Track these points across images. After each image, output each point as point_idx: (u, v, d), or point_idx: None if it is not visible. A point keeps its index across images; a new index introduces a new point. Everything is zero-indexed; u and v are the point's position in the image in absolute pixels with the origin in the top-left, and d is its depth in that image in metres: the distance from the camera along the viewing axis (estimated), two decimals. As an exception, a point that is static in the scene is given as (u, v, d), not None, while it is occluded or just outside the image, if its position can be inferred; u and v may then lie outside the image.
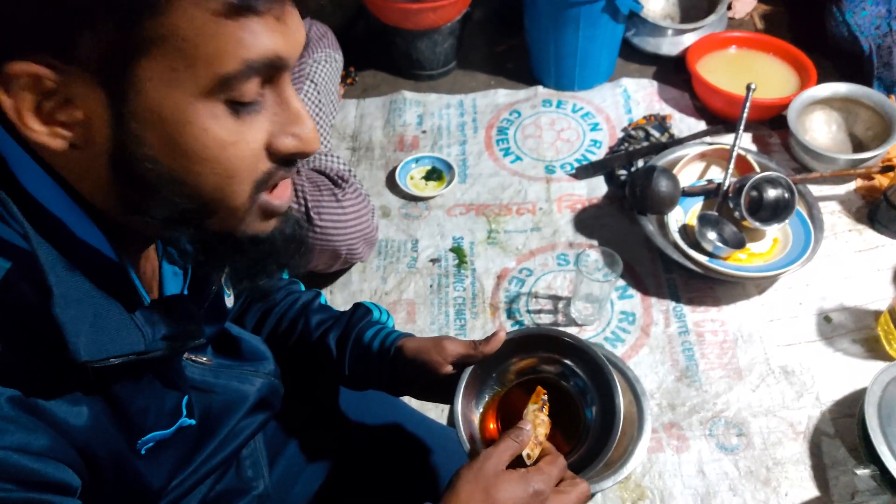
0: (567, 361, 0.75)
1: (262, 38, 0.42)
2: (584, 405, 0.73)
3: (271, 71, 0.44)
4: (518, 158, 1.63)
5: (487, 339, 0.73)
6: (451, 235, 1.47)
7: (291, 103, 0.47)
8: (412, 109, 1.77)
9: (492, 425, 0.74)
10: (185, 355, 0.61)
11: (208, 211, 0.47)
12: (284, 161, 0.48)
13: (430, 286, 1.39)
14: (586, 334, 1.30)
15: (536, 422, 0.65)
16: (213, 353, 0.68)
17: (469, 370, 0.72)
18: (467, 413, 0.72)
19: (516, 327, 1.31)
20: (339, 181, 1.29)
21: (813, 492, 1.07)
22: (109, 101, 0.41)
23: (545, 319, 1.33)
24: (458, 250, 1.44)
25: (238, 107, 0.43)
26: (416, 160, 1.61)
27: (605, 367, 0.71)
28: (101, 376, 0.46)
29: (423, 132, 1.71)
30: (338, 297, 1.38)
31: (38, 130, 0.41)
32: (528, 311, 1.34)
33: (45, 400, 0.44)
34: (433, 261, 1.43)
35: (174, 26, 0.39)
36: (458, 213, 1.52)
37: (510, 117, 1.73)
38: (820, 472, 1.09)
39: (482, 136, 1.69)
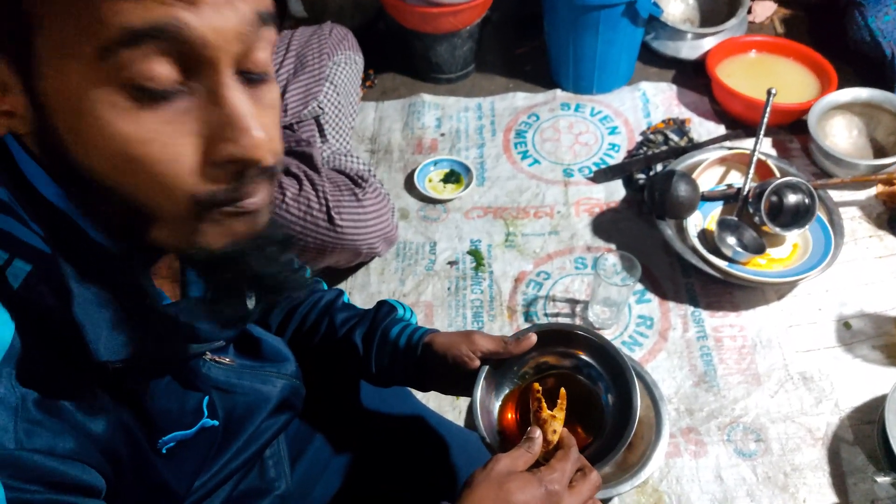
0: (585, 357, 0.76)
1: (143, 6, 0.37)
2: (602, 398, 0.75)
3: (182, 52, 0.39)
4: (536, 162, 1.63)
5: (519, 340, 0.74)
6: (469, 238, 1.48)
7: (228, 102, 0.41)
8: (431, 112, 1.78)
9: (510, 415, 0.75)
10: (208, 356, 0.62)
11: (146, 218, 0.44)
12: (234, 175, 0.43)
13: (448, 288, 1.40)
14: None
15: (549, 428, 0.66)
16: (235, 354, 0.70)
17: (487, 368, 0.73)
18: (486, 403, 0.73)
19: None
20: (359, 181, 1.30)
21: (831, 498, 1.07)
22: (23, 83, 0.40)
23: (563, 322, 1.33)
24: (475, 253, 1.45)
25: (145, 96, 0.39)
26: (435, 163, 1.62)
27: (623, 361, 0.73)
28: (121, 377, 0.47)
29: (442, 135, 1.72)
30: (357, 298, 1.40)
31: None
32: (546, 315, 1.35)
33: (68, 402, 0.44)
34: (451, 263, 1.44)
35: None
36: (475, 215, 1.53)
37: (528, 120, 1.74)
38: (839, 478, 1.09)
39: (500, 139, 1.70)
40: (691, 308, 1.33)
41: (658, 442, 1.09)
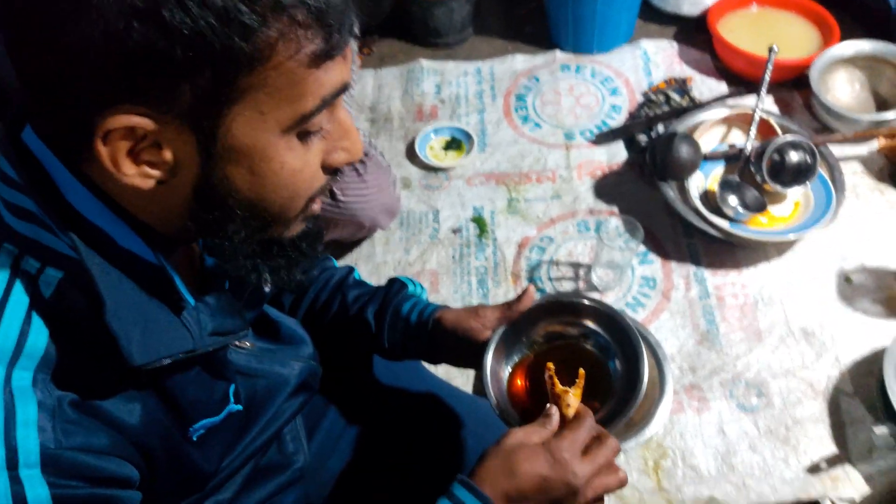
0: (593, 325, 0.79)
1: (334, 74, 0.46)
2: (610, 365, 0.77)
3: (338, 97, 0.48)
4: (537, 126, 1.63)
5: (519, 298, 0.78)
6: (472, 205, 1.49)
7: (342, 119, 0.51)
8: (430, 78, 1.77)
9: (519, 381, 0.78)
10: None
11: (270, 225, 0.52)
12: (333, 172, 0.53)
13: (453, 256, 1.42)
14: (607, 300, 1.31)
15: (563, 402, 0.68)
16: (254, 337, 0.72)
17: (500, 332, 0.76)
18: (497, 370, 0.76)
19: (538, 295, 1.34)
20: (362, 156, 1.31)
21: (831, 449, 1.10)
22: (199, 143, 0.45)
23: (566, 286, 1.35)
24: (479, 220, 1.46)
25: (306, 136, 0.48)
26: (436, 130, 1.62)
27: (630, 329, 0.75)
28: (152, 374, 0.49)
29: (442, 101, 1.72)
30: (363, 268, 1.42)
31: (130, 174, 0.44)
32: (550, 279, 1.37)
33: (101, 401, 0.47)
34: (454, 231, 1.45)
35: (266, 77, 0.43)
36: (478, 182, 1.54)
37: (528, 84, 1.73)
38: (838, 429, 1.12)
39: (500, 103, 1.69)
40: (693, 268, 1.35)
41: (662, 399, 1.12)
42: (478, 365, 0.80)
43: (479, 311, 0.78)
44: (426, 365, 0.99)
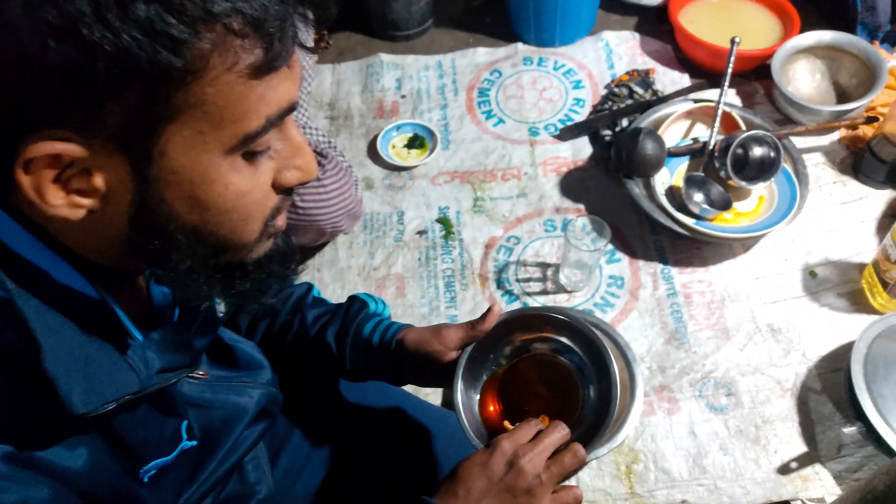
0: (562, 339, 0.77)
1: (280, 91, 0.43)
2: (582, 380, 0.75)
3: (285, 117, 0.46)
4: (501, 121, 1.60)
5: (483, 317, 0.75)
6: (437, 205, 1.46)
7: (293, 136, 0.48)
8: (390, 73, 1.72)
9: (492, 407, 0.76)
10: None
11: (222, 250, 0.48)
12: (287, 191, 0.50)
13: (419, 259, 1.38)
14: (576, 300, 1.31)
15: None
16: (208, 364, 0.68)
17: (466, 356, 0.74)
18: (467, 397, 0.73)
19: (508, 299, 1.32)
20: (319, 158, 1.26)
21: (801, 447, 1.10)
22: (133, 168, 0.41)
23: (534, 287, 1.33)
24: (444, 221, 1.43)
25: (253, 155, 0.45)
26: (398, 128, 1.57)
27: (599, 342, 0.74)
28: (98, 417, 0.46)
29: (403, 97, 1.67)
30: (326, 274, 1.37)
31: (57, 204, 0.41)
32: (518, 280, 1.34)
33: (41, 450, 0.44)
34: (420, 233, 1.42)
35: (203, 93, 0.40)
36: (442, 181, 1.50)
37: (491, 77, 1.69)
38: (807, 428, 1.12)
39: (463, 98, 1.66)
40: (661, 266, 1.34)
41: (633, 403, 1.10)
42: (443, 384, 0.78)
43: (441, 332, 0.76)
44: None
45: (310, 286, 0.87)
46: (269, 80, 0.42)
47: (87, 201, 0.42)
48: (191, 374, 0.63)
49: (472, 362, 0.75)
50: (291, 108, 0.45)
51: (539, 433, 0.66)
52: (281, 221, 0.52)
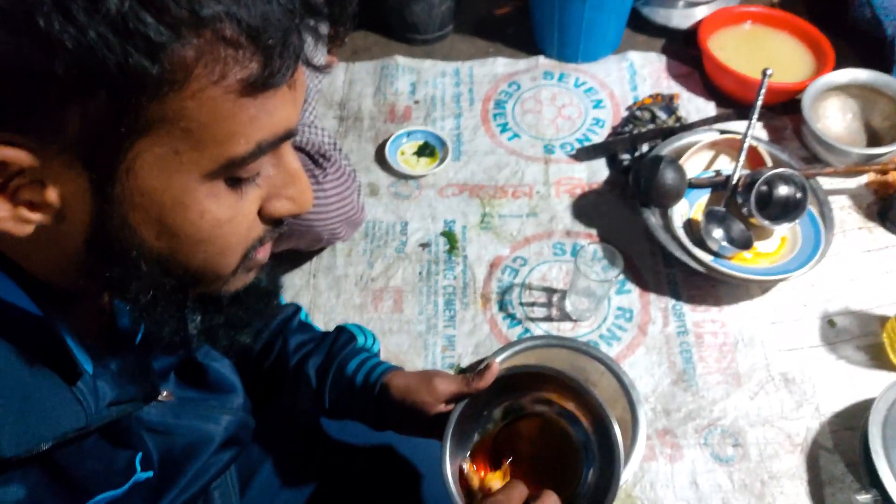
0: (560, 401, 0.69)
1: (276, 115, 0.37)
2: (580, 444, 0.68)
3: (279, 144, 0.40)
4: (516, 136, 1.54)
5: (480, 374, 0.68)
6: (443, 218, 1.39)
7: (289, 164, 0.42)
8: (405, 77, 1.66)
9: (482, 473, 0.68)
10: None
11: (191, 284, 0.42)
12: (276, 222, 0.44)
13: (420, 273, 1.32)
14: (581, 330, 1.24)
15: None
16: (175, 384, 0.62)
17: (456, 416, 0.66)
18: (456, 464, 0.66)
19: (510, 323, 1.25)
20: (321, 159, 1.19)
21: (808, 509, 1.04)
22: (93, 184, 0.35)
23: (538, 313, 1.26)
24: (449, 235, 1.37)
25: (237, 182, 0.39)
26: (408, 134, 1.51)
27: (606, 416, 0.65)
28: (34, 455, 0.40)
29: (416, 102, 1.61)
30: (321, 281, 1.31)
31: (1, 217, 0.34)
32: (521, 304, 1.28)
33: None
34: (423, 245, 1.36)
35: (182, 107, 0.33)
36: (450, 193, 1.44)
37: (509, 89, 1.63)
38: (816, 488, 1.06)
39: (478, 108, 1.59)
40: (672, 301, 1.27)
41: (634, 447, 1.04)
42: (427, 436, 0.71)
43: (432, 382, 0.68)
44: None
45: (297, 308, 0.81)
46: (264, 100, 0.36)
47: (36, 216, 0.36)
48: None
49: (464, 421, 0.67)
50: (289, 134, 0.39)
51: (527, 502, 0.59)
52: (262, 254, 0.45)
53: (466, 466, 0.66)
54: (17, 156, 0.33)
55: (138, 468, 0.51)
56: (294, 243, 1.24)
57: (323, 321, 1.26)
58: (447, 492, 0.62)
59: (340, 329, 0.77)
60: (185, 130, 0.34)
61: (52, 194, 0.35)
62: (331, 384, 0.71)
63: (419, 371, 0.71)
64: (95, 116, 0.33)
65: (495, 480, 0.61)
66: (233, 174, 0.38)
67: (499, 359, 1.09)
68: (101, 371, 0.45)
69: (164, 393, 0.58)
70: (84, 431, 0.42)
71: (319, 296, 1.29)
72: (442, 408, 0.67)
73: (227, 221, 0.39)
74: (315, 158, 1.17)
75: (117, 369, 0.46)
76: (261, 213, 0.42)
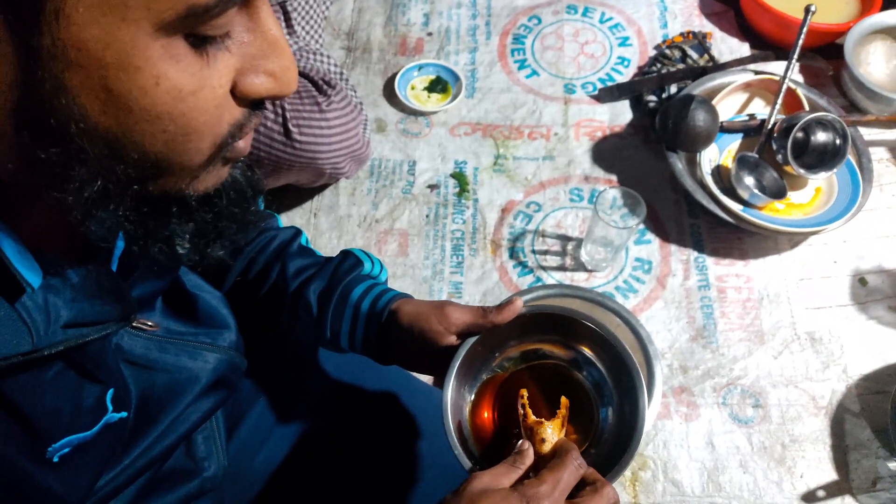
0: (585, 350, 0.62)
1: None
2: (599, 402, 0.62)
3: None
4: (535, 73, 1.44)
5: (500, 307, 0.61)
6: (454, 159, 1.31)
7: (268, 29, 0.34)
8: (418, 6, 1.55)
9: (486, 413, 0.62)
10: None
11: (152, 175, 0.34)
12: (253, 104, 0.36)
13: (427, 216, 1.24)
14: (596, 281, 1.17)
15: (537, 436, 0.53)
16: (161, 313, 0.55)
17: (467, 347, 0.60)
18: (459, 395, 0.60)
19: (520, 271, 1.18)
20: (325, 87, 1.10)
21: (831, 475, 0.98)
22: (11, 33, 0.27)
23: (551, 262, 1.19)
24: (459, 176, 1.29)
25: (203, 41, 0.31)
26: (419, 67, 1.41)
27: (632, 364, 0.59)
28: None
29: (429, 34, 1.51)
30: (322, 220, 1.24)
31: None
32: (534, 252, 1.20)
33: None
34: (431, 187, 1.28)
35: None
36: (462, 132, 1.35)
37: (529, 24, 1.52)
38: (840, 453, 1.00)
39: (495, 43, 1.49)
40: (695, 253, 1.20)
41: (649, 403, 0.98)
42: (433, 373, 0.65)
43: (445, 310, 0.61)
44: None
45: (297, 231, 0.73)
46: None
47: None
48: (136, 325, 0.50)
49: (473, 357, 0.61)
50: None
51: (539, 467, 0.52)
52: (243, 144, 0.37)
53: (469, 403, 0.60)
54: None
55: (109, 407, 0.45)
56: (294, 178, 1.16)
57: (324, 262, 1.19)
58: (444, 430, 0.56)
59: (346, 253, 0.69)
60: None
61: None
62: (333, 311, 0.64)
63: (432, 300, 0.64)
64: None
65: (546, 429, 0.54)
66: (195, 29, 0.30)
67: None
68: (59, 286, 0.38)
69: (150, 322, 0.52)
70: (33, 356, 0.35)
71: (320, 236, 1.23)
72: (453, 340, 0.61)
73: (191, 94, 0.31)
74: (319, 85, 1.08)
75: (79, 283, 0.39)
76: (234, 93, 0.34)
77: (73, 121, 0.30)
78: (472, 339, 0.60)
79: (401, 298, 0.65)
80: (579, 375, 0.62)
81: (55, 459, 0.41)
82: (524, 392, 0.55)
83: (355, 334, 0.66)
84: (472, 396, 0.62)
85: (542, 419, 0.54)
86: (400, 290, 0.68)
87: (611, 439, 0.59)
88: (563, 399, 0.54)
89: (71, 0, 0.27)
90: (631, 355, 0.60)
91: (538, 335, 0.63)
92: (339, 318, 0.65)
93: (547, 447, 0.53)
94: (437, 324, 0.61)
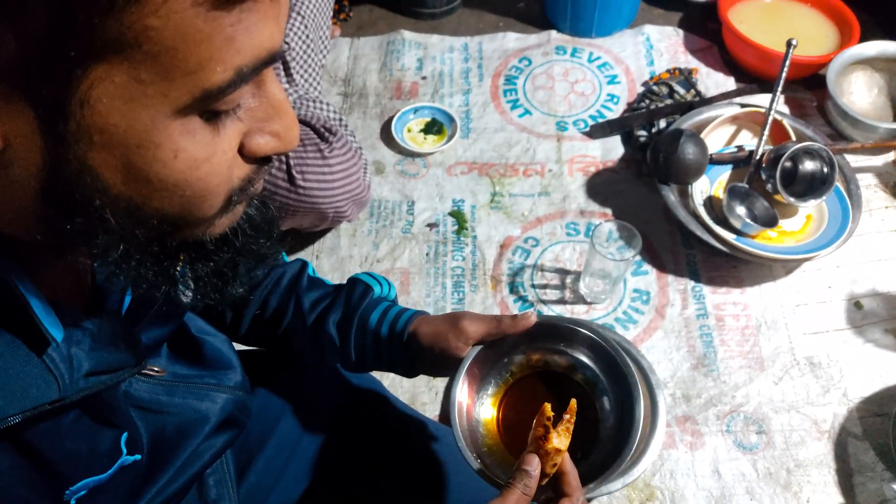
0: (584, 358, 0.67)
1: (257, 34, 0.31)
2: (600, 407, 0.65)
3: (262, 70, 0.34)
4: (527, 112, 1.48)
5: (515, 318, 0.64)
6: (451, 198, 1.34)
7: (272, 94, 0.36)
8: (412, 52, 1.60)
9: (495, 416, 0.67)
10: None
11: (170, 232, 0.37)
12: (261, 160, 0.38)
13: (427, 254, 1.27)
14: (596, 313, 1.19)
15: (549, 461, 0.55)
16: (168, 358, 0.57)
17: (474, 354, 0.64)
18: (468, 401, 0.65)
19: (521, 306, 1.20)
20: (326, 134, 1.14)
21: (837, 498, 0.99)
22: (40, 121, 0.29)
23: (551, 295, 1.21)
24: (458, 214, 1.31)
25: (214, 115, 0.33)
26: (415, 110, 1.45)
27: (628, 370, 0.64)
28: (2, 432, 0.35)
29: (423, 78, 1.55)
30: (325, 262, 1.26)
31: None
32: (533, 286, 1.23)
33: None
34: (430, 225, 1.30)
35: (144, 26, 0.27)
36: (459, 172, 1.38)
37: (520, 65, 1.57)
38: (845, 476, 1.00)
39: (488, 84, 1.54)
40: (692, 283, 1.22)
41: (653, 434, 0.99)
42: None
43: (460, 326, 0.65)
44: (390, 385, 0.85)
45: (304, 264, 0.76)
46: (242, 16, 0.30)
47: None
48: (143, 371, 0.52)
49: (482, 361, 0.66)
50: (272, 58, 0.33)
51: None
52: (257, 187, 0.40)
53: (480, 409, 0.64)
54: None
55: (124, 450, 0.47)
56: (297, 223, 1.19)
57: (327, 303, 1.21)
58: (453, 432, 0.60)
59: (353, 280, 0.72)
60: (150, 55, 0.29)
61: None
62: (355, 340, 0.68)
63: (446, 314, 0.68)
64: (33, 36, 0.27)
65: (559, 457, 0.55)
66: (209, 107, 0.32)
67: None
68: (79, 337, 0.40)
69: (156, 368, 0.54)
70: (59, 404, 0.37)
71: (322, 277, 1.24)
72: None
73: (206, 161, 0.33)
74: (320, 132, 1.12)
75: (96, 333, 0.41)
76: (242, 151, 0.36)
77: (97, 194, 0.32)
78: (476, 350, 0.64)
79: (417, 318, 0.67)
80: (578, 382, 0.66)
81: (72, 502, 0.43)
82: (548, 408, 0.55)
83: (380, 358, 0.69)
84: (483, 403, 0.66)
85: (560, 447, 0.55)
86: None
87: (609, 444, 0.62)
88: (572, 404, 0.56)
89: (94, 91, 0.29)
90: (626, 360, 0.64)
91: (544, 343, 0.67)
92: (361, 345, 0.68)
93: (554, 469, 0.55)
94: (455, 339, 0.64)
